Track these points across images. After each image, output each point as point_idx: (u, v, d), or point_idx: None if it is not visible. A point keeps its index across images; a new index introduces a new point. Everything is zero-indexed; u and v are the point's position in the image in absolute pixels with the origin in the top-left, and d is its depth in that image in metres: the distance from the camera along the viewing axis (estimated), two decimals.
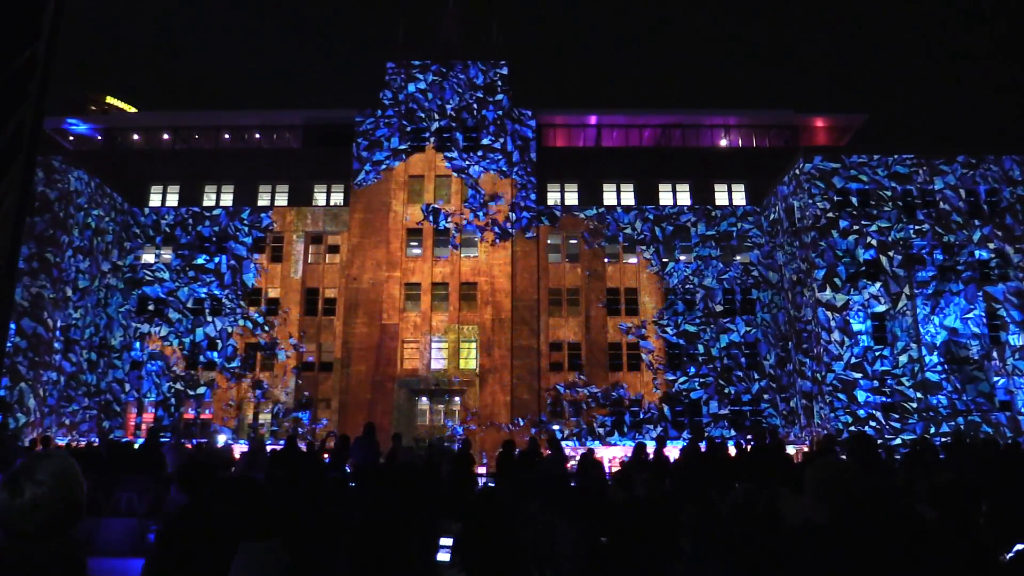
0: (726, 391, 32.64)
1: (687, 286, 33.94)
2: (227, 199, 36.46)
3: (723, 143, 38.74)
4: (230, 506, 4.27)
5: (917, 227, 28.98)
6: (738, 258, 34.34)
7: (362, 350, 32.76)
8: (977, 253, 28.79)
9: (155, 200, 36.48)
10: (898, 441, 25.00)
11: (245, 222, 35.00)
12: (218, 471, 6.01)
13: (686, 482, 9.13)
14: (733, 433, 30.41)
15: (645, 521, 4.83)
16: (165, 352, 33.71)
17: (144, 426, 32.37)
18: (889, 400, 27.21)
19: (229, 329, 33.86)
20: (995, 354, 27.55)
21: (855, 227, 28.95)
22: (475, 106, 35.57)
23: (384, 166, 35.08)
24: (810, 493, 3.12)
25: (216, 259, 34.55)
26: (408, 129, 35.46)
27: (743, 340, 33.24)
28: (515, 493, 7.98)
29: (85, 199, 31.15)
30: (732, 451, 15.06)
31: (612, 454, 25.52)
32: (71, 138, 39.42)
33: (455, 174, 34.93)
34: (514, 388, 32.37)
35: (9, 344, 25.74)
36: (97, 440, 25.48)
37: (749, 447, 14.44)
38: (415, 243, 34.53)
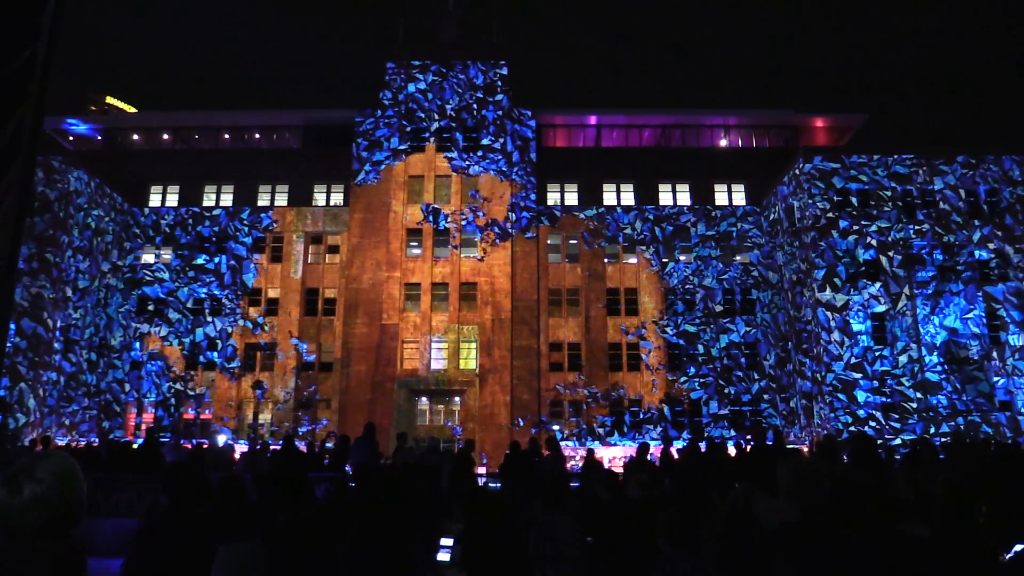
0: (726, 391, 32.64)
1: (687, 286, 33.93)
2: (227, 199, 36.47)
3: (723, 143, 38.74)
4: (209, 508, 4.27)
5: (917, 227, 28.99)
6: (738, 258, 34.34)
7: (362, 350, 32.76)
8: (977, 253, 28.79)
9: (155, 200, 36.48)
10: (898, 441, 25.01)
11: (245, 222, 35.00)
12: (206, 472, 6.01)
13: (686, 482, 9.12)
14: (733, 433, 30.40)
15: (628, 522, 4.85)
16: (165, 352, 33.72)
17: (144, 426, 32.39)
18: (889, 400, 27.22)
19: (229, 329, 33.86)
20: (995, 354, 27.56)
21: (855, 227, 28.95)
22: (475, 106, 35.56)
23: (384, 166, 35.07)
24: (783, 491, 3.22)
25: (216, 259, 34.55)
26: (408, 129, 35.46)
27: (743, 340, 33.24)
28: (516, 494, 7.99)
29: (85, 199, 31.15)
30: (732, 451, 15.06)
31: (612, 454, 25.53)
32: (71, 138, 39.42)
33: (455, 174, 34.95)
34: (514, 388, 32.35)
35: (9, 344, 25.74)
36: (97, 440, 25.49)
37: (749, 447, 14.43)
38: (415, 243, 34.53)
